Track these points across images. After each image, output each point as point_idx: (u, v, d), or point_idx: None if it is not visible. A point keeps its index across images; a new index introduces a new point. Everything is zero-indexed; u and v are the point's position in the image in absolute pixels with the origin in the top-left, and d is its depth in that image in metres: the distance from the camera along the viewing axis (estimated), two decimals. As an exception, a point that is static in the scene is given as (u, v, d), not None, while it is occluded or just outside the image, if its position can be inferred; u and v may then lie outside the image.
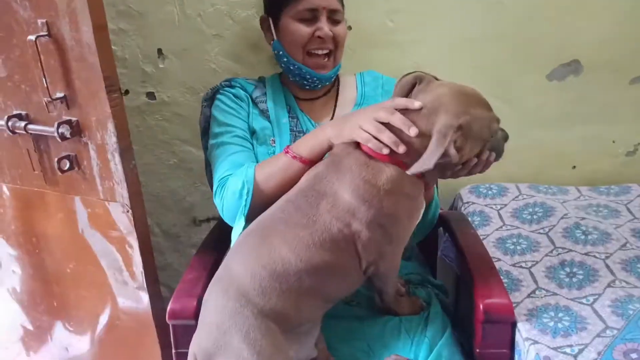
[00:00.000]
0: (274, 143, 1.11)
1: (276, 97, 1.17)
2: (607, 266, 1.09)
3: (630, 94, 1.48)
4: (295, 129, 1.14)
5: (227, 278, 0.91)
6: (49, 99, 0.99)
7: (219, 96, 1.16)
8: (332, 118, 1.18)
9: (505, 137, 0.94)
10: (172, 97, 1.45)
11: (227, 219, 1.03)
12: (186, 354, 0.93)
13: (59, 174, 1.06)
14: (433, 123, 0.84)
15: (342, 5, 1.15)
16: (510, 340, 0.96)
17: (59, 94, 0.99)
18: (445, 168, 0.89)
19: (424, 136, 0.84)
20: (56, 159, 1.04)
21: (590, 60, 1.44)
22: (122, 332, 1.24)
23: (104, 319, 1.26)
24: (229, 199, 1.00)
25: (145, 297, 1.14)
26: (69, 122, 1.00)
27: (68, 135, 1.00)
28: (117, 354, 1.29)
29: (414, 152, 0.85)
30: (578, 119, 1.50)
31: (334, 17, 1.11)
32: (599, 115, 1.50)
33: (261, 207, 0.95)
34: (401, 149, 0.85)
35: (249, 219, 0.95)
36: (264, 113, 1.15)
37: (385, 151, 0.85)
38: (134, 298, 1.17)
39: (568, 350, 0.88)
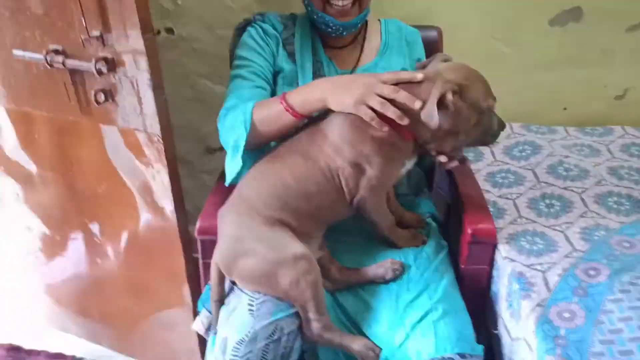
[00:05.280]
0: (298, 85, 1.17)
1: (304, 41, 1.21)
2: (582, 200, 1.24)
3: (627, 41, 1.56)
4: (318, 73, 1.19)
5: (238, 197, 1.07)
6: (87, 37, 1.08)
7: (249, 28, 1.21)
8: (355, 66, 1.22)
9: (501, 124, 1.01)
10: (189, 33, 1.53)
11: (223, 145, 1.12)
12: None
13: (95, 105, 1.16)
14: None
15: None
16: (491, 259, 1.12)
17: (95, 33, 1.08)
18: (441, 134, 0.97)
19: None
20: (93, 92, 1.14)
21: (590, 7, 1.51)
22: (149, 243, 1.39)
23: (132, 231, 1.40)
24: (226, 131, 1.09)
25: (172, 215, 1.29)
26: (105, 59, 1.10)
27: (105, 71, 1.10)
28: (145, 262, 1.45)
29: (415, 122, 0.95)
30: (575, 63, 1.59)
31: None
32: (595, 60, 1.59)
33: (255, 145, 1.07)
34: (405, 121, 0.95)
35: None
36: (291, 55, 1.20)
37: (386, 129, 0.95)
38: (162, 216, 1.31)
39: (539, 267, 1.04)
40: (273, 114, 1.05)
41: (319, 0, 1.12)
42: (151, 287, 1.44)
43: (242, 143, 1.04)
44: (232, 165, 1.08)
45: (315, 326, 1.00)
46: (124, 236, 1.41)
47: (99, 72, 1.10)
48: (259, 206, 1.03)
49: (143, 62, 1.07)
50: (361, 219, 1.17)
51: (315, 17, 1.15)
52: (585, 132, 1.56)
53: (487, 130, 1.01)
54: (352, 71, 1.23)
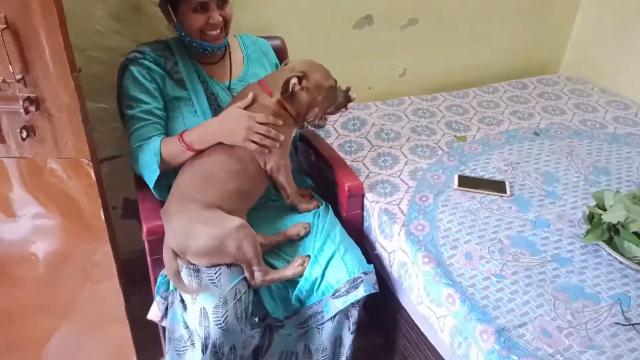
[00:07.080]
0: (194, 105, 1.47)
1: (187, 68, 1.48)
2: (403, 153, 1.82)
3: (402, 35, 2.19)
4: (207, 91, 1.49)
5: (177, 192, 1.37)
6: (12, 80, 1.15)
7: (132, 68, 1.42)
8: (230, 76, 1.55)
9: (347, 98, 1.48)
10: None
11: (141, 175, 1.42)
12: (160, 259, 1.34)
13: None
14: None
15: None
16: (362, 205, 1.62)
17: (18, 75, 1.16)
18: (304, 109, 1.43)
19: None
20: (18, 130, 1.21)
21: (377, 14, 2.08)
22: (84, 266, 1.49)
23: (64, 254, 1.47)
24: (141, 168, 1.39)
25: (104, 231, 1.42)
26: (29, 98, 1.19)
27: (32, 110, 1.19)
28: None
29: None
30: (371, 54, 2.17)
31: (222, 1, 1.40)
32: (384, 51, 2.20)
33: (165, 170, 1.39)
34: (277, 145, 1.38)
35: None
36: (178, 83, 1.46)
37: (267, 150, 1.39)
38: (94, 233, 1.43)
39: (394, 202, 1.57)
40: (176, 152, 1.38)
41: (196, 33, 1.43)
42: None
43: (155, 177, 1.38)
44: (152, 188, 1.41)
45: (258, 275, 1.35)
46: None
47: (26, 111, 1.18)
48: (197, 194, 1.33)
49: (74, 98, 1.20)
50: (271, 198, 1.53)
51: (194, 44, 1.45)
52: (388, 104, 2.17)
53: (334, 102, 1.47)
54: (230, 82, 1.55)
